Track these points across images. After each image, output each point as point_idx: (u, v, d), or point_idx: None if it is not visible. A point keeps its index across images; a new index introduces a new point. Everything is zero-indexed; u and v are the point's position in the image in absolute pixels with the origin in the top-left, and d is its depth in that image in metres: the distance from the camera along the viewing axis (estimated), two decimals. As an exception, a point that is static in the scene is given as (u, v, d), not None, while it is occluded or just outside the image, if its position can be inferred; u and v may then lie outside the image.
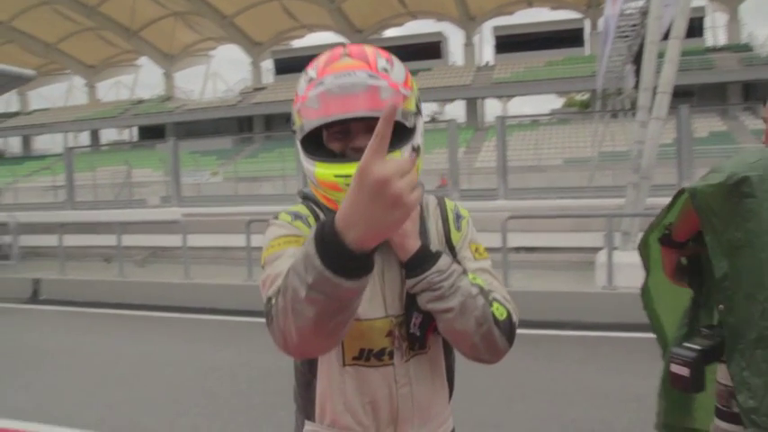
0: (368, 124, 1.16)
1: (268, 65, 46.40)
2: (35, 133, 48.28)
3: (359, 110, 1.15)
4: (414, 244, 1.20)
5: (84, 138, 49.62)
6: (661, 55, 7.84)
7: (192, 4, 40.17)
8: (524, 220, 8.18)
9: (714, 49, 35.03)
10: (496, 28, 41.91)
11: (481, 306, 1.16)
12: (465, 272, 1.22)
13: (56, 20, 42.53)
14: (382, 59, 1.23)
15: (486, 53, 44.92)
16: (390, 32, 46.01)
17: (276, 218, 1.30)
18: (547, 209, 9.76)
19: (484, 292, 1.19)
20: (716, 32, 38.85)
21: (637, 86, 9.85)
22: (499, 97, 42.71)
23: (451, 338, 1.23)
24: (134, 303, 8.29)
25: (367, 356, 1.26)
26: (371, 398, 1.26)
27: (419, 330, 1.26)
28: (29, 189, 30.83)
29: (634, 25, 18.25)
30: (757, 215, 1.31)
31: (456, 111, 44.96)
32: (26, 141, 50.31)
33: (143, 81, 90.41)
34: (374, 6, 40.53)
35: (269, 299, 1.08)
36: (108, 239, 10.13)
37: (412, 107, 1.23)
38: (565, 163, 27.03)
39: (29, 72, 13.67)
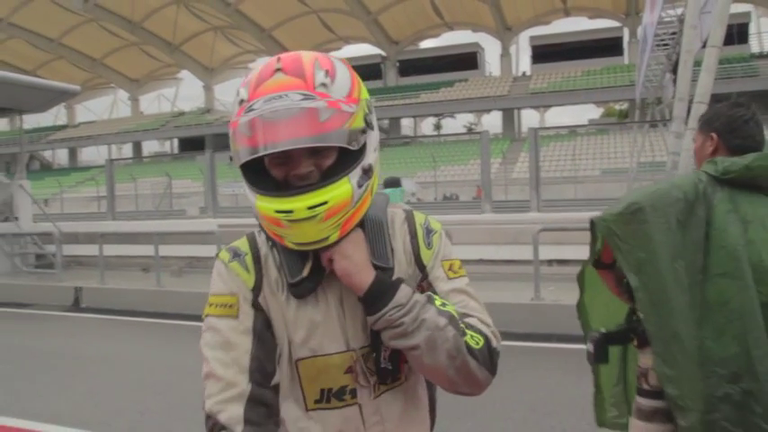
0: (310, 148, 1.04)
1: (306, 77, 46.92)
2: (81, 145, 49.83)
3: (294, 137, 1.01)
4: (364, 279, 1.09)
5: (128, 149, 51.00)
6: (699, 63, 7.70)
7: (231, 19, 41.03)
8: (557, 232, 8.09)
9: (759, 56, 34.16)
10: (533, 38, 41.74)
11: (452, 337, 1.06)
12: (430, 299, 1.10)
13: (102, 36, 43.96)
14: (321, 72, 1.06)
15: (523, 63, 44.77)
16: (427, 43, 46.20)
17: (218, 255, 1.21)
18: (580, 221, 9.62)
19: (454, 320, 1.08)
20: (761, 39, 37.91)
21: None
22: (536, 107, 42.46)
23: (424, 374, 1.15)
24: (170, 312, 8.46)
25: (327, 398, 1.15)
26: None
27: (391, 363, 1.16)
28: (74, 199, 31.82)
29: (673, 33, 17.90)
30: (652, 238, 1.59)
31: (493, 121, 44.82)
32: (73, 153, 51.96)
33: (184, 94, 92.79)
34: (410, 18, 40.75)
35: (208, 416, 1.08)
36: (146, 249, 10.37)
37: (359, 124, 1.08)
38: (602, 173, 26.67)
39: (74, 87, 14.13)
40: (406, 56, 44.20)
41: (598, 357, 1.78)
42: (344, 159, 1.07)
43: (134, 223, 14.30)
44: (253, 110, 1.03)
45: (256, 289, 1.16)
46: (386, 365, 1.16)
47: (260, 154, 1.03)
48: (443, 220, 5.39)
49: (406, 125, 47.39)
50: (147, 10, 40.87)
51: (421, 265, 1.20)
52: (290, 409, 1.17)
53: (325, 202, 1.04)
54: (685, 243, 1.59)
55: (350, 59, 42.29)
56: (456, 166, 31.17)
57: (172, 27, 42.22)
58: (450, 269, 1.20)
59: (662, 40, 18.64)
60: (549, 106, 41.98)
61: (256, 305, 1.15)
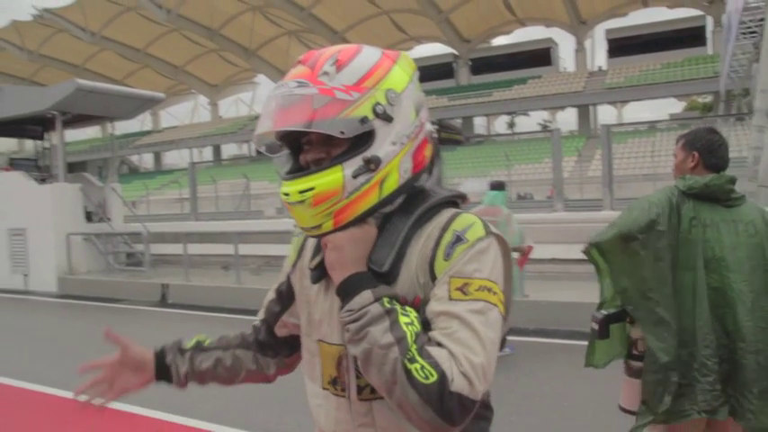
0: (324, 136, 1.07)
1: (377, 78, 47.31)
2: (165, 149, 52.12)
3: (283, 122, 1.09)
4: (340, 275, 1.08)
5: (208, 152, 53.00)
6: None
7: (304, 23, 41.92)
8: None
9: None
10: (609, 31, 40.48)
11: (391, 360, 0.96)
12: (392, 313, 1.00)
13: (183, 44, 45.92)
14: (330, 61, 1.09)
15: (599, 58, 43.21)
16: (499, 41, 45.63)
17: None
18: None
19: (403, 343, 0.96)
20: None
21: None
22: (613, 103, 41.17)
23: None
24: (249, 309, 8.83)
25: (333, 382, 1.19)
26: (333, 430, 1.20)
27: None
28: (159, 201, 33.36)
29: (761, 20, 17.04)
30: (638, 253, 2.17)
31: (568, 118, 43.83)
32: (157, 157, 54.47)
33: (261, 97, 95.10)
34: (482, 15, 40.39)
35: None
36: (226, 248, 10.87)
37: (361, 113, 1.06)
38: (684, 170, 25.57)
39: (159, 95, 14.96)
40: (478, 54, 43.83)
41: (601, 334, 2.29)
42: (354, 149, 1.08)
43: (215, 223, 14.96)
44: (267, 97, 1.13)
45: (293, 266, 1.34)
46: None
47: (257, 135, 1.14)
48: (516, 219, 5.39)
49: (479, 124, 47.02)
50: (224, 17, 42.36)
51: (434, 277, 1.07)
52: (310, 383, 1.27)
53: (312, 188, 1.06)
54: (664, 246, 2.15)
55: (421, 59, 42.59)
56: (530, 164, 30.69)
57: (248, 33, 43.58)
58: (459, 289, 1.02)
59: (748, 27, 17.77)
60: (627, 101, 40.62)
61: (289, 278, 1.35)
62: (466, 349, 0.96)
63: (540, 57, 41.78)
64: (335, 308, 1.13)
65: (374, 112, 1.07)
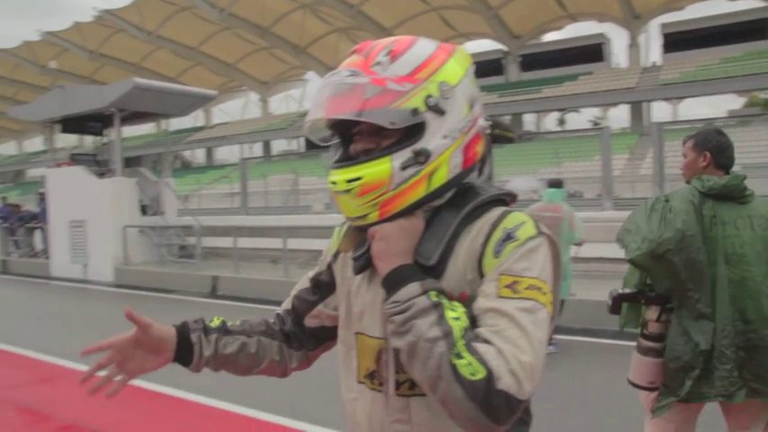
0: (368, 126, 1.08)
1: (425, 74, 47.21)
2: (216, 145, 53.22)
3: (333, 111, 1.09)
4: (387, 266, 1.06)
5: (258, 148, 53.90)
6: None
7: (353, 20, 42.17)
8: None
9: None
10: (665, 25, 39.30)
11: (437, 354, 0.94)
12: (438, 307, 0.98)
13: (235, 42, 46.80)
14: (384, 51, 1.10)
15: (653, 53, 42.05)
16: (549, 37, 44.91)
17: None
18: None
19: (450, 338, 0.94)
20: None
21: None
22: (667, 99, 39.99)
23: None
24: (296, 301, 9.01)
25: (369, 376, 1.18)
26: (368, 425, 1.18)
27: None
28: (210, 195, 34.15)
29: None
30: (672, 261, 2.30)
31: (621, 115, 42.80)
32: (209, 152, 55.66)
33: (310, 94, 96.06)
34: (532, 11, 39.83)
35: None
36: (275, 242, 11.08)
37: (413, 104, 1.06)
38: (744, 169, 24.69)
39: (211, 92, 15.34)
40: (528, 50, 43.22)
41: (613, 310, 2.55)
42: (404, 141, 1.08)
43: (264, 218, 15.24)
44: (319, 85, 1.12)
45: (335, 256, 1.33)
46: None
47: (307, 122, 1.14)
48: (579, 216, 5.36)
49: (529, 121, 46.41)
50: (275, 15, 42.97)
51: (482, 274, 1.05)
52: (345, 377, 1.25)
53: (359, 178, 1.06)
54: (698, 248, 2.32)
55: (471, 56, 41.83)
56: (580, 162, 30.15)
57: (299, 31, 44.11)
58: (508, 286, 1.00)
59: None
60: (682, 98, 39.38)
61: (330, 267, 1.35)
62: (514, 347, 0.94)
63: (592, 52, 40.88)
64: (378, 300, 1.11)
65: (426, 104, 1.06)
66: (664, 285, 2.39)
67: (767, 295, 2.30)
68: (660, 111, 41.97)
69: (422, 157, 1.06)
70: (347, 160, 1.12)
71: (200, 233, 12.42)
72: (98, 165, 14.97)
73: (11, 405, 4.86)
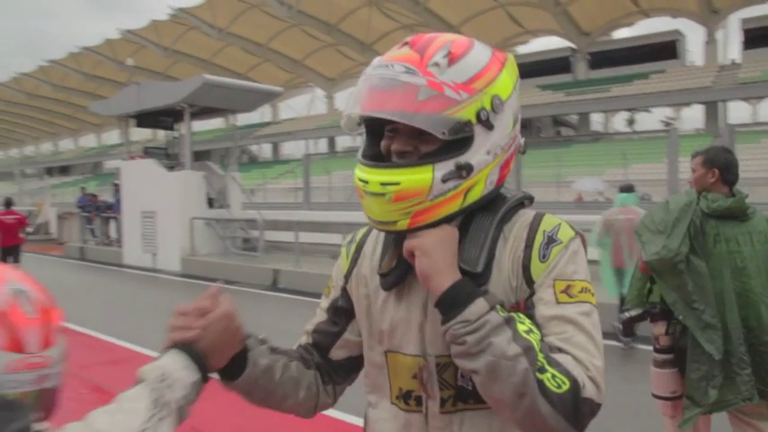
0: (416, 129, 1.00)
1: (492, 71, 46.68)
2: (282, 140, 54.23)
3: (380, 108, 1.00)
4: (442, 282, 0.98)
5: (323, 144, 54.66)
6: None
7: (419, 17, 42.10)
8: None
9: None
10: (745, 20, 37.34)
11: (521, 371, 0.90)
12: (510, 322, 0.94)
13: (302, 39, 47.56)
14: (441, 52, 1.02)
15: (732, 50, 40.12)
16: (620, 33, 43.58)
17: None
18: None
19: (531, 352, 0.91)
20: None
21: None
22: (746, 99, 38.16)
23: (492, 406, 0.99)
24: (353, 297, 9.15)
25: (402, 396, 1.12)
26: None
27: (470, 383, 1.03)
28: (276, 190, 34.83)
29: None
30: (682, 271, 2.53)
31: (695, 115, 41.15)
32: (275, 147, 56.82)
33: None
34: (602, 6, 38.71)
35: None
36: (336, 238, 11.25)
37: (466, 116, 1.00)
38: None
39: (277, 89, 15.73)
40: (598, 47, 42.02)
41: (626, 333, 2.90)
42: (447, 151, 1.02)
43: (326, 213, 15.47)
44: (365, 74, 1.05)
45: (347, 277, 1.25)
46: (464, 384, 1.04)
47: (347, 114, 1.07)
48: None
49: (596, 120, 45.23)
50: (342, 12, 43.39)
51: (529, 280, 1.03)
52: (373, 398, 1.19)
53: (397, 183, 1.00)
54: (699, 264, 2.55)
55: (538, 53, 41.48)
56: (649, 164, 29.19)
57: (365, 27, 44.39)
58: (564, 291, 1.00)
59: None
60: (763, 97, 37.49)
61: (345, 290, 1.26)
62: (587, 354, 0.94)
63: (665, 50, 39.37)
64: (414, 316, 1.08)
65: (477, 116, 1.01)
66: (671, 298, 2.61)
67: (767, 305, 2.54)
68: (739, 111, 40.17)
69: (464, 172, 1.01)
70: (377, 158, 1.07)
71: (263, 227, 12.74)
72: (169, 158, 15.55)
73: (84, 383, 5.18)
